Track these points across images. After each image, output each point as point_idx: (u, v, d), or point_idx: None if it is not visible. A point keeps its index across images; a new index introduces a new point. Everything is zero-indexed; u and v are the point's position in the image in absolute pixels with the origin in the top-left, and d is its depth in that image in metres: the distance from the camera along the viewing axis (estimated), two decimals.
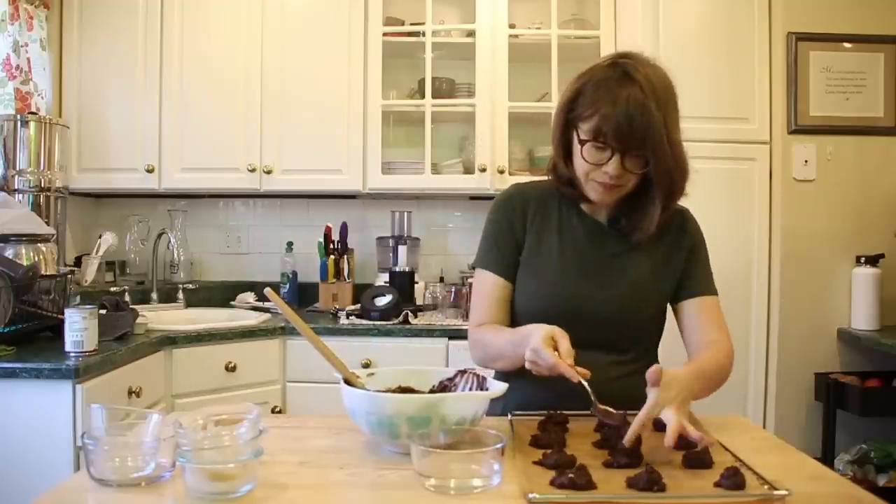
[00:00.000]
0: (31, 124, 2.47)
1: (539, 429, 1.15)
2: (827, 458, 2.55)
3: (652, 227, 1.31)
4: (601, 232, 1.37)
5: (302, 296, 3.03)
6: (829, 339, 2.70)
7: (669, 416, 1.05)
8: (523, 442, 1.10)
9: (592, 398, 1.10)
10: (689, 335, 1.37)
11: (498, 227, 1.41)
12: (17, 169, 2.43)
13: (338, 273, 2.96)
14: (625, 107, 1.19)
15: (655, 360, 1.43)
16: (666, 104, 1.23)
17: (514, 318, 1.41)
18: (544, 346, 1.12)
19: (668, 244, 1.38)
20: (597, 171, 1.26)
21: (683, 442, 1.08)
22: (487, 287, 1.40)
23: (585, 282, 1.34)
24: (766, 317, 2.63)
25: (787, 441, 1.17)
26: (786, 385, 2.65)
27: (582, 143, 1.25)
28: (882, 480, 2.52)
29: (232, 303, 3.02)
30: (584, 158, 1.26)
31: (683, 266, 1.38)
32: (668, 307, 1.42)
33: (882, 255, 2.65)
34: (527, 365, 1.15)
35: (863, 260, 2.65)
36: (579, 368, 1.10)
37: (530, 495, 0.87)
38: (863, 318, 2.64)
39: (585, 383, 1.10)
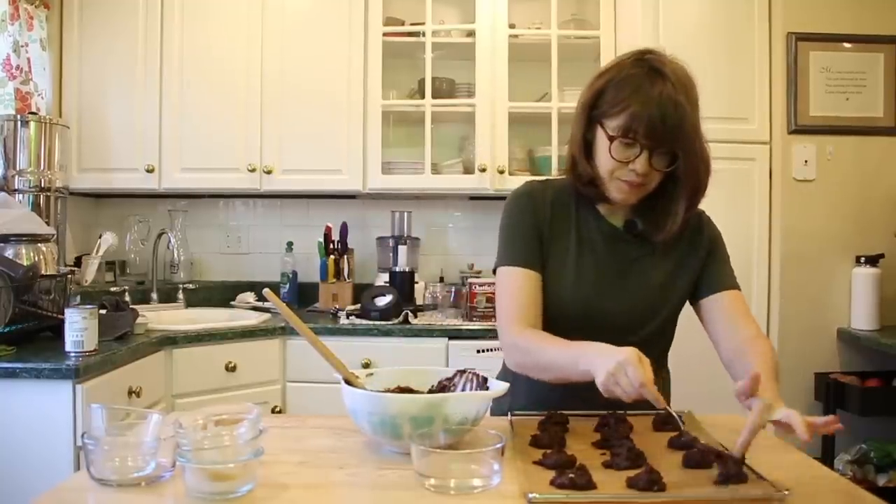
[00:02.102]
0: (32, 124, 2.47)
1: (539, 429, 1.15)
2: (827, 458, 2.55)
3: (676, 227, 1.28)
4: (618, 237, 1.34)
5: (302, 296, 3.03)
6: (829, 339, 2.70)
7: (789, 413, 1.01)
8: (523, 442, 1.10)
9: (681, 425, 1.07)
10: (719, 331, 1.32)
11: (521, 221, 1.34)
12: (18, 169, 2.43)
13: (338, 273, 2.96)
14: (657, 103, 1.18)
15: (666, 361, 1.43)
16: (695, 100, 1.22)
17: None
18: (637, 362, 1.04)
19: (685, 247, 1.35)
20: (622, 170, 1.23)
21: (681, 442, 1.08)
22: (518, 282, 1.30)
23: (603, 288, 1.31)
24: (766, 317, 2.63)
25: (787, 441, 1.17)
26: (786, 385, 2.62)
27: (611, 139, 1.22)
28: (882, 480, 2.52)
29: (232, 303, 3.02)
30: (611, 156, 1.23)
31: (702, 267, 1.35)
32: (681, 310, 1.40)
33: (882, 255, 2.65)
34: (603, 377, 1.05)
35: (863, 260, 2.65)
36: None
37: (530, 495, 0.87)
38: (862, 318, 2.64)
39: (672, 410, 1.08)
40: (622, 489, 0.90)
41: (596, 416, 1.20)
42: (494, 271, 1.36)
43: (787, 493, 0.88)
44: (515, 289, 1.31)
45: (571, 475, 0.90)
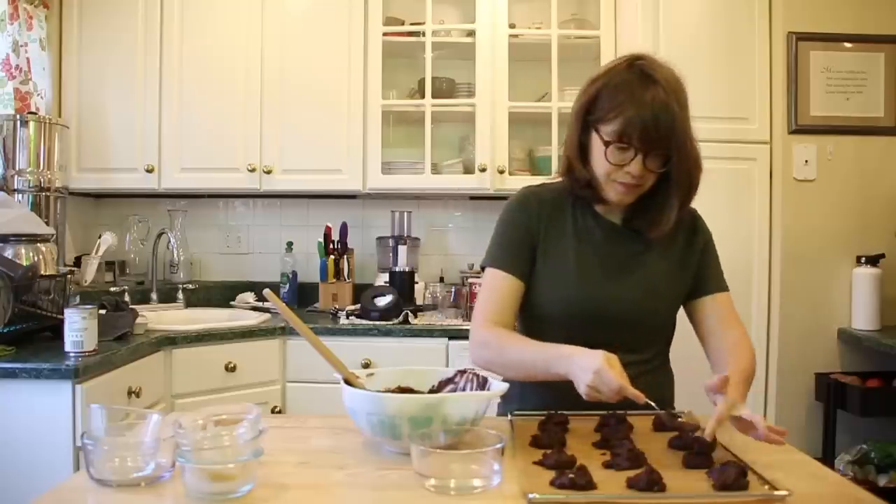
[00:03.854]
0: (31, 124, 2.47)
1: (539, 429, 1.14)
2: (827, 459, 2.54)
3: (669, 225, 1.32)
4: (617, 233, 1.38)
5: (302, 296, 3.03)
6: (830, 340, 2.70)
7: (752, 413, 1.07)
8: (523, 442, 1.10)
9: (663, 414, 1.13)
10: (708, 333, 1.38)
11: (513, 229, 1.38)
12: (17, 169, 2.43)
13: (338, 273, 2.96)
14: (650, 108, 1.21)
15: (668, 359, 1.46)
16: (685, 102, 1.26)
17: (532, 323, 1.39)
18: (609, 368, 1.09)
19: (683, 244, 1.39)
20: (619, 172, 1.27)
21: (681, 442, 1.08)
22: (500, 285, 1.35)
23: (604, 283, 1.34)
24: (767, 317, 2.63)
25: (788, 441, 1.16)
26: (786, 385, 2.65)
27: (606, 144, 1.26)
28: (882, 481, 2.52)
29: (232, 303, 3.02)
30: (607, 160, 1.26)
31: (697, 265, 1.39)
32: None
33: (882, 255, 2.64)
34: (585, 389, 1.11)
35: (863, 260, 2.65)
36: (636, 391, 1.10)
37: (530, 495, 0.87)
38: (863, 319, 2.63)
39: (653, 403, 1.10)
40: (622, 489, 0.90)
41: (596, 415, 1.20)
42: (482, 269, 1.42)
43: (787, 493, 0.88)
44: (496, 291, 1.35)
45: (571, 475, 0.90)
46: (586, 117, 1.30)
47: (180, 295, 2.98)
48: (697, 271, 1.39)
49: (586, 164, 1.33)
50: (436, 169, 2.94)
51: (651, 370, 1.34)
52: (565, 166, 1.38)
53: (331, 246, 2.99)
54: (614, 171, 1.27)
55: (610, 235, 1.37)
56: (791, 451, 1.12)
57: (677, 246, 1.39)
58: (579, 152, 1.33)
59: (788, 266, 2.64)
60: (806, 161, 2.68)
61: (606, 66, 1.32)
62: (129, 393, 2.01)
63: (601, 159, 1.27)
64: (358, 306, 2.74)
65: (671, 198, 1.31)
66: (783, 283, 2.62)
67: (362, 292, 2.76)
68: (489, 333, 1.31)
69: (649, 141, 1.22)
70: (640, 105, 1.21)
